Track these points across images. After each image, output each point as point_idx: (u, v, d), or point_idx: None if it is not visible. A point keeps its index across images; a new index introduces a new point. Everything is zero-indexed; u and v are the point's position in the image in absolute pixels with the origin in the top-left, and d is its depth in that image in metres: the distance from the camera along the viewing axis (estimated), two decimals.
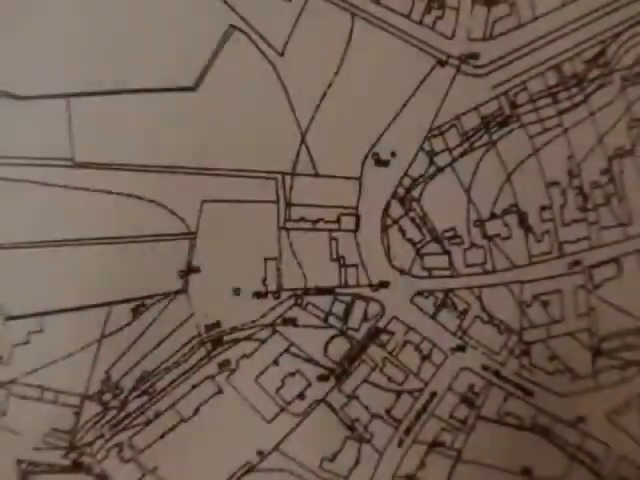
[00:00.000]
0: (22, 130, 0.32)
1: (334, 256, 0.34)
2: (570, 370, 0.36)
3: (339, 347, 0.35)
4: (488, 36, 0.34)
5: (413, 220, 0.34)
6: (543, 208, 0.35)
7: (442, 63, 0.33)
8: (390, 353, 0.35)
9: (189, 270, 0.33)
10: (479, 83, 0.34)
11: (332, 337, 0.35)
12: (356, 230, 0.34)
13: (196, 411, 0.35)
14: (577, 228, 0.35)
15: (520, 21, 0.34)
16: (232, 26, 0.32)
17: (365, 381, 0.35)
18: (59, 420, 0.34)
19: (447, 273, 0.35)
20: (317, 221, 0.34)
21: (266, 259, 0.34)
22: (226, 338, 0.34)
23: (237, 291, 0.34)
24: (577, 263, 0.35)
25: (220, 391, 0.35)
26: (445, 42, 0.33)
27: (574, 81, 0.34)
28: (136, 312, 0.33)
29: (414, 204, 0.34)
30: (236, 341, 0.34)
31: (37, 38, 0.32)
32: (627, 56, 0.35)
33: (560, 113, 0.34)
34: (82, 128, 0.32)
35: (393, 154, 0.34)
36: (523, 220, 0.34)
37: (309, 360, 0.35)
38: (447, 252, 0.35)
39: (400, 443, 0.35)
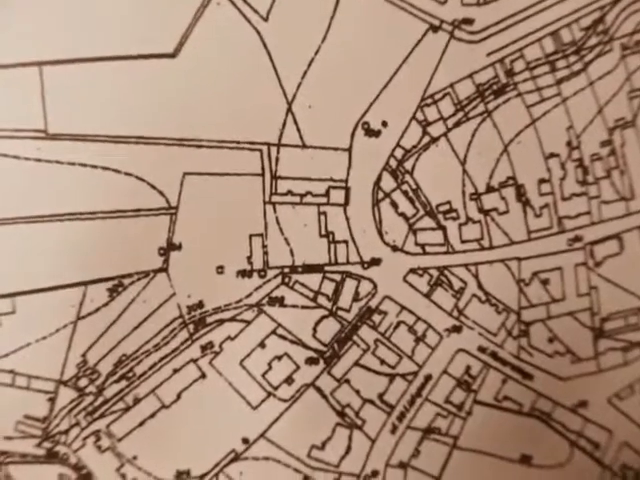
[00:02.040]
0: None
1: (323, 232, 0.33)
2: (571, 352, 0.35)
3: (329, 328, 0.34)
4: (482, 1, 0.32)
5: (406, 193, 0.33)
6: (542, 181, 0.33)
7: (435, 29, 0.32)
8: (382, 334, 0.34)
9: (170, 247, 0.32)
10: (473, 50, 0.32)
11: (321, 318, 0.33)
12: (346, 204, 0.33)
13: (178, 397, 0.33)
14: (577, 202, 0.34)
15: None
16: None
17: (356, 364, 0.34)
18: (32, 407, 0.32)
19: (442, 249, 0.34)
20: (305, 194, 0.32)
21: (251, 235, 0.32)
22: (209, 319, 0.33)
23: (221, 269, 0.32)
24: (578, 239, 0.34)
25: (203, 375, 0.33)
26: (438, 7, 0.32)
27: (572, 49, 0.33)
28: (113, 292, 0.32)
29: (407, 176, 0.33)
30: (220, 322, 0.33)
31: (7, 4, 0.30)
32: (627, 23, 0.33)
33: (558, 82, 0.33)
34: (55, 98, 0.30)
35: (384, 124, 0.32)
36: (521, 193, 0.33)
37: (297, 342, 0.33)
38: (442, 227, 0.33)
39: (393, 429, 0.34)
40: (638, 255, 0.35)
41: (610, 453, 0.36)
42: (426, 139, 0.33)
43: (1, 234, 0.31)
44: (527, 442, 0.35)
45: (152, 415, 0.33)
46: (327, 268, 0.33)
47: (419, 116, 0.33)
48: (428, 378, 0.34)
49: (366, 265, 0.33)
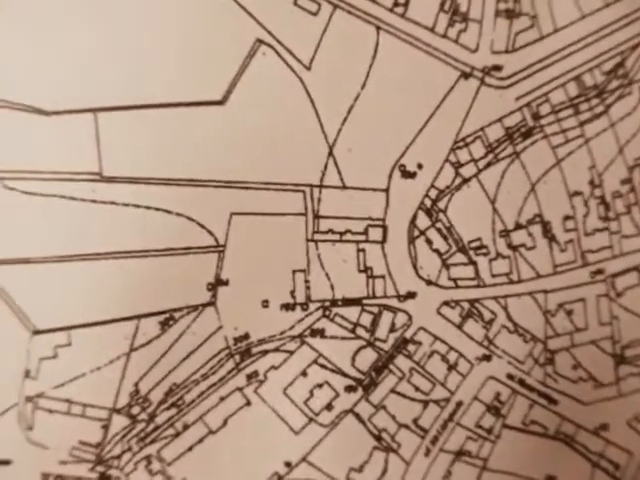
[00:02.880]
0: (50, 145, 0.32)
1: (361, 267, 0.34)
2: (593, 378, 0.36)
3: (366, 358, 0.35)
4: (510, 48, 0.34)
5: (439, 231, 0.34)
6: (566, 218, 0.35)
7: (466, 75, 0.34)
8: (417, 363, 0.35)
9: (217, 283, 0.33)
10: (502, 95, 0.34)
11: (360, 348, 0.35)
12: (383, 241, 0.34)
13: (224, 423, 0.35)
14: (599, 237, 0.35)
15: (541, 33, 0.34)
16: (259, 40, 0.32)
17: (392, 391, 0.35)
18: (86, 433, 0.34)
19: (473, 283, 0.35)
20: (345, 232, 0.34)
21: (294, 271, 0.34)
22: (254, 350, 0.34)
23: (265, 303, 0.34)
24: (600, 272, 0.35)
25: (248, 403, 0.35)
26: (469, 55, 0.34)
27: (595, 92, 0.34)
28: (164, 325, 0.33)
29: (440, 215, 0.34)
30: (264, 353, 0.34)
31: (64, 53, 0.32)
32: None
33: (581, 124, 0.35)
34: (110, 142, 0.32)
35: (419, 166, 0.34)
36: (547, 230, 0.35)
37: (337, 371, 0.35)
38: (473, 262, 0.35)
39: (427, 452, 0.36)
40: None
41: (630, 473, 0.37)
42: (458, 180, 0.34)
43: (59, 271, 0.32)
44: (552, 463, 0.36)
45: (200, 440, 0.35)
46: (365, 301, 0.35)
47: (452, 158, 0.34)
48: (460, 404, 0.36)
49: (402, 298, 0.35)
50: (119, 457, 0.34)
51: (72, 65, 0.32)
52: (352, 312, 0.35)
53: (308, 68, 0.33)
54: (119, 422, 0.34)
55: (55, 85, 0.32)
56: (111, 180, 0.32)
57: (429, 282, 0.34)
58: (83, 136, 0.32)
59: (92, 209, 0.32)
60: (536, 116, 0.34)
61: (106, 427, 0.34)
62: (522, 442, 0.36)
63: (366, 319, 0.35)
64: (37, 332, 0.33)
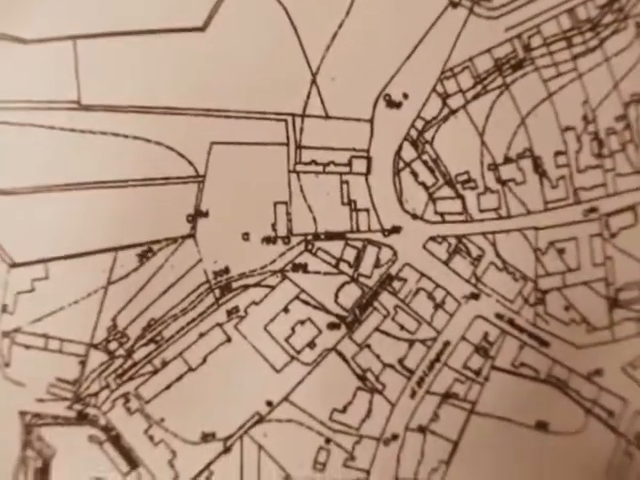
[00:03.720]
0: (28, 73, 0.32)
1: (345, 200, 0.33)
2: (586, 321, 0.35)
3: (350, 294, 0.34)
4: None
5: (426, 163, 0.33)
6: (558, 153, 0.34)
7: (454, 4, 0.33)
8: (402, 300, 0.34)
9: (197, 214, 0.33)
10: (492, 25, 0.33)
11: (343, 284, 0.34)
12: (368, 173, 0.33)
13: (204, 360, 0.34)
14: (593, 175, 0.34)
15: None
16: None
17: (377, 329, 0.35)
18: (64, 370, 0.33)
19: (460, 218, 0.34)
20: (328, 164, 0.33)
21: (276, 203, 0.33)
22: (235, 284, 0.34)
23: (246, 236, 0.33)
24: (593, 210, 0.34)
25: (228, 339, 0.34)
26: None
27: (588, 25, 0.33)
28: (143, 257, 0.33)
29: (427, 147, 0.33)
30: (245, 287, 0.34)
31: None
32: None
33: (575, 57, 0.34)
34: (88, 70, 0.32)
35: (405, 95, 0.33)
36: (538, 165, 0.34)
37: (319, 307, 0.34)
38: (460, 196, 0.34)
39: (413, 394, 0.35)
40: None
41: (625, 421, 0.36)
42: (446, 111, 0.34)
43: (35, 202, 0.32)
44: (543, 409, 0.36)
45: (179, 378, 0.34)
46: (349, 235, 0.34)
47: (439, 88, 0.33)
48: (446, 344, 0.35)
49: (387, 233, 0.34)
50: (96, 394, 0.33)
51: None
52: (335, 246, 0.34)
53: None
54: (97, 358, 0.33)
55: (33, 13, 0.31)
56: (89, 108, 0.32)
57: (415, 216, 0.34)
58: (62, 64, 0.32)
59: (70, 138, 0.32)
60: (527, 48, 0.34)
61: (83, 363, 0.33)
62: (512, 385, 0.35)
63: (350, 254, 0.34)
64: (14, 265, 0.32)
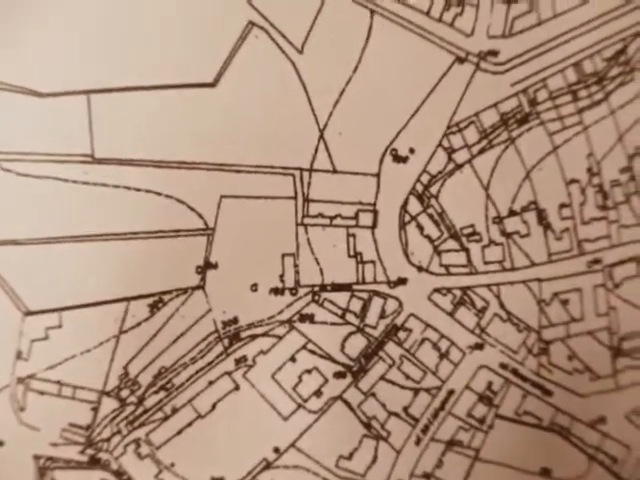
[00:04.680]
0: (43, 127, 0.32)
1: (351, 252, 0.34)
2: (589, 370, 0.35)
3: (356, 344, 0.35)
4: (507, 33, 0.33)
5: (431, 217, 0.34)
6: (562, 206, 0.34)
7: (461, 60, 0.33)
8: (407, 350, 0.35)
9: (206, 266, 0.34)
10: (498, 80, 0.33)
11: (349, 334, 0.35)
12: (374, 226, 0.34)
13: (213, 407, 0.35)
14: (597, 226, 0.35)
15: (540, 18, 0.34)
16: (251, 22, 0.32)
17: (382, 378, 0.35)
18: (77, 416, 0.34)
19: (465, 270, 0.35)
20: (335, 217, 0.34)
21: (284, 255, 0.34)
22: (243, 334, 0.34)
23: (254, 287, 0.34)
24: (597, 261, 0.35)
25: (237, 387, 0.35)
26: (464, 39, 0.33)
27: (594, 79, 0.34)
28: (154, 308, 0.33)
29: (432, 201, 0.34)
30: (253, 337, 0.34)
31: (58, 35, 0.32)
32: None
33: (580, 111, 0.34)
34: (102, 124, 0.32)
35: (411, 150, 0.33)
36: (542, 217, 0.34)
37: (326, 357, 0.35)
38: (465, 249, 0.34)
39: (417, 441, 0.35)
40: None
41: (628, 467, 0.37)
42: (451, 165, 0.34)
43: (49, 252, 0.33)
44: (547, 456, 0.36)
45: (189, 424, 0.35)
46: (355, 287, 0.34)
47: (445, 143, 0.34)
48: (451, 393, 0.35)
49: (392, 284, 0.34)
50: (108, 440, 0.34)
51: (67, 48, 0.32)
52: (342, 297, 0.34)
53: (300, 51, 0.33)
54: (108, 405, 0.34)
55: (49, 67, 0.32)
56: (102, 162, 0.32)
57: (420, 268, 0.34)
58: (76, 118, 0.32)
59: (83, 191, 0.33)
60: (533, 102, 0.34)
61: (96, 410, 0.34)
62: (515, 433, 0.35)
63: (356, 305, 0.34)
64: (29, 313, 0.33)
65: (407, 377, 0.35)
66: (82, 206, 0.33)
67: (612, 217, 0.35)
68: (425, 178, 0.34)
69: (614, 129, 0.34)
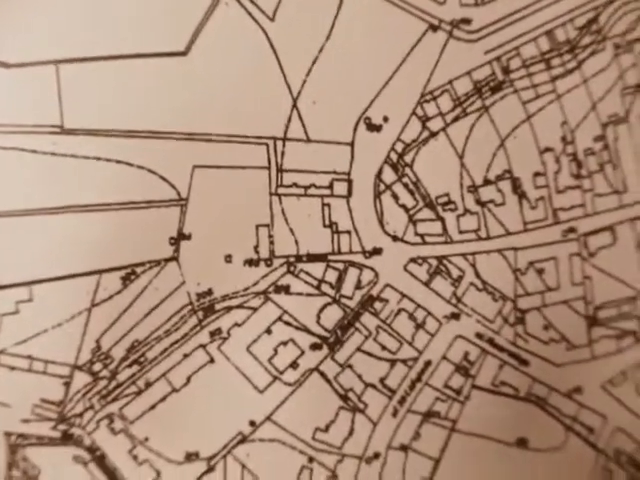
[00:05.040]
0: (11, 97, 0.32)
1: (326, 222, 0.34)
2: (565, 339, 0.35)
3: (332, 315, 0.35)
4: (480, 1, 0.34)
5: (406, 186, 0.34)
6: (537, 174, 0.34)
7: (434, 28, 0.33)
8: (384, 321, 0.35)
9: (180, 237, 0.33)
10: (471, 48, 0.33)
11: (325, 305, 0.34)
12: (349, 196, 0.34)
13: (187, 381, 0.34)
14: (571, 195, 0.35)
15: None
16: None
17: (358, 350, 0.35)
18: (48, 391, 0.34)
19: (441, 239, 0.34)
20: (309, 187, 0.33)
21: (258, 226, 0.33)
22: (218, 306, 0.34)
23: (229, 258, 0.33)
24: (572, 230, 0.35)
25: (212, 360, 0.34)
26: (437, 7, 0.33)
27: (567, 47, 0.34)
28: (126, 280, 0.33)
29: (407, 169, 0.34)
30: (228, 309, 0.34)
31: (26, 5, 0.31)
32: (620, 23, 0.35)
33: (553, 79, 0.34)
34: (71, 94, 0.32)
35: (385, 119, 0.33)
36: (517, 186, 0.34)
37: (302, 328, 0.34)
38: (441, 218, 0.34)
39: (394, 413, 0.35)
40: (630, 246, 0.36)
41: (604, 437, 0.37)
42: (425, 133, 0.34)
43: (19, 225, 0.32)
44: (523, 426, 0.36)
45: (163, 399, 0.34)
46: (330, 257, 0.34)
47: (419, 111, 0.34)
48: (428, 363, 0.35)
49: (368, 254, 0.34)
50: (81, 415, 0.34)
51: (33, 16, 0.31)
52: (317, 268, 0.34)
53: (272, 19, 0.32)
54: (81, 379, 0.34)
55: (16, 37, 0.31)
56: (72, 132, 0.32)
57: (395, 238, 0.34)
58: (45, 88, 0.32)
59: (53, 162, 0.32)
60: (506, 70, 0.34)
61: (68, 384, 0.33)
62: (492, 403, 0.35)
63: (331, 275, 0.34)
64: None
65: (383, 348, 0.35)
66: (52, 178, 0.32)
67: (586, 186, 0.35)
68: (399, 146, 0.34)
69: (587, 98, 0.34)
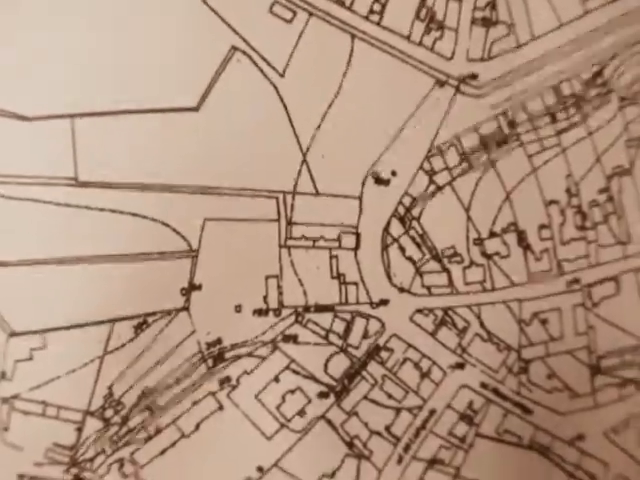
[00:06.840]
0: (27, 149, 0.32)
1: (334, 274, 0.34)
2: (569, 388, 0.36)
3: (339, 364, 0.35)
4: (486, 57, 0.34)
5: (413, 239, 0.34)
6: (542, 227, 0.35)
7: (441, 83, 0.34)
8: (389, 370, 0.35)
9: (191, 288, 0.34)
10: (478, 103, 0.34)
11: (332, 354, 0.35)
12: (356, 248, 0.34)
13: (197, 427, 0.35)
14: (576, 246, 0.35)
15: (518, 42, 0.34)
16: (234, 47, 0.32)
17: (365, 398, 0.35)
18: (61, 435, 0.34)
19: (447, 291, 0.35)
20: (318, 239, 0.34)
21: (267, 277, 0.34)
22: (227, 355, 0.35)
23: (238, 308, 0.34)
24: (576, 281, 0.35)
25: (221, 407, 0.35)
26: (444, 63, 0.34)
27: (572, 101, 0.34)
28: (138, 329, 0.34)
29: (414, 223, 0.34)
30: (237, 358, 0.35)
31: (41, 58, 0.32)
32: (624, 76, 0.35)
33: (559, 132, 0.35)
34: (86, 148, 0.32)
35: (393, 173, 0.34)
36: (522, 239, 0.35)
37: (309, 377, 0.35)
38: (447, 270, 0.35)
39: (399, 460, 0.36)
40: (634, 296, 0.36)
41: None
42: (432, 187, 0.34)
43: (35, 274, 0.33)
44: (527, 474, 0.36)
45: (173, 444, 0.35)
46: (338, 308, 0.35)
47: (426, 166, 0.34)
48: (432, 412, 0.36)
49: (375, 305, 0.35)
50: (92, 460, 0.34)
51: (49, 70, 0.32)
52: (325, 318, 0.35)
53: (282, 75, 0.33)
54: (93, 425, 0.34)
55: (33, 90, 0.32)
56: (86, 185, 0.32)
57: (402, 289, 0.35)
58: (60, 141, 0.33)
59: (67, 213, 0.33)
60: (512, 124, 0.34)
61: (80, 429, 0.34)
62: (496, 451, 0.35)
63: (339, 326, 0.35)
64: (13, 334, 0.33)
65: (389, 396, 0.35)
66: (66, 228, 0.33)
67: (591, 237, 0.35)
68: (407, 200, 0.34)
69: (592, 150, 0.35)
